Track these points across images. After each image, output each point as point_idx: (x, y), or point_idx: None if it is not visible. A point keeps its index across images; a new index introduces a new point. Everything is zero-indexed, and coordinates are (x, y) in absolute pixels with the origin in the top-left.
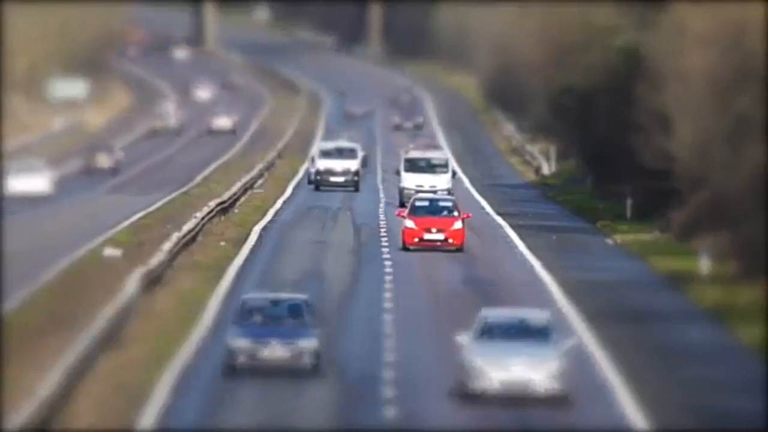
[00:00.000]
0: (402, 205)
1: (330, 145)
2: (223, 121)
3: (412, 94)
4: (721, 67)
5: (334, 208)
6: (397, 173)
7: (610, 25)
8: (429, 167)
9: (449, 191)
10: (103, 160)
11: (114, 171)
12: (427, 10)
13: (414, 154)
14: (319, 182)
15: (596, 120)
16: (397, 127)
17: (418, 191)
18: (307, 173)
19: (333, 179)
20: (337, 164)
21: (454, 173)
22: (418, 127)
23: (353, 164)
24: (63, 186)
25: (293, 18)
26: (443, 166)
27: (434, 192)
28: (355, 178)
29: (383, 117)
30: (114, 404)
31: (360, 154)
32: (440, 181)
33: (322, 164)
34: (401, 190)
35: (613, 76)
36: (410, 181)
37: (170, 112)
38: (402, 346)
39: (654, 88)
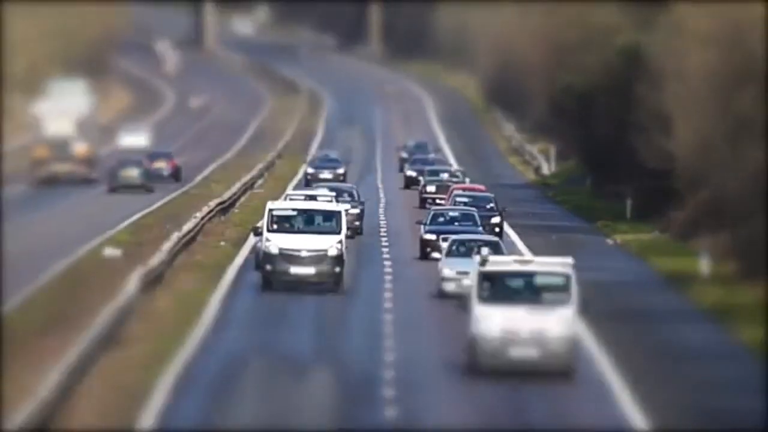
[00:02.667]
0: (473, 362)
1: (287, 207)
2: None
3: (437, 150)
4: (721, 67)
5: None
6: (461, 302)
7: (610, 25)
8: (530, 292)
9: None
10: (194, 101)
11: (204, 112)
12: (427, 10)
13: (502, 264)
14: (270, 276)
15: (596, 120)
16: (412, 181)
17: (507, 339)
18: (255, 251)
19: (294, 271)
20: (303, 242)
21: (585, 305)
22: (455, 175)
23: (331, 242)
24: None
25: (293, 18)
26: (560, 290)
27: (541, 345)
28: (336, 269)
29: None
30: (114, 404)
31: (343, 220)
32: (554, 323)
33: (276, 242)
34: (473, 343)
35: (613, 76)
36: (494, 321)
37: (165, 54)
38: (402, 346)
39: (654, 88)
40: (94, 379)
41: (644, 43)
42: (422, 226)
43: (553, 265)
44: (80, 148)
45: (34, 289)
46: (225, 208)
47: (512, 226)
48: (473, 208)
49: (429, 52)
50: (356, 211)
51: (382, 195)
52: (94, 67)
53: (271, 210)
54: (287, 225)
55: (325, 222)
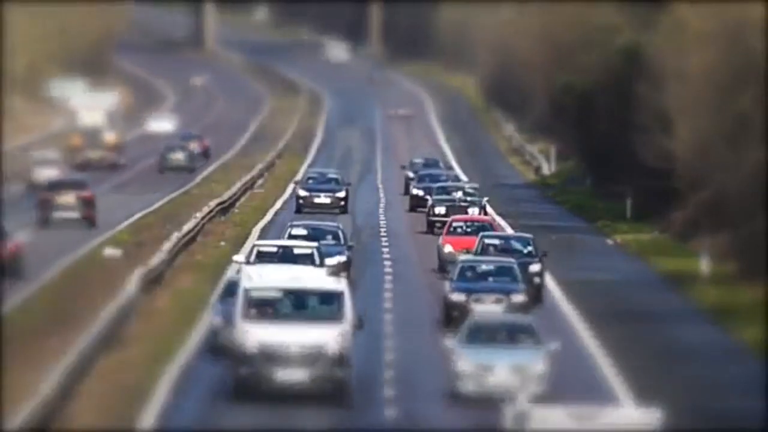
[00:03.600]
0: None
1: (270, 287)
2: None
3: (448, 168)
4: (721, 67)
5: None
6: None
7: (610, 25)
8: None
9: None
10: (196, 80)
11: (205, 91)
12: (428, 10)
13: (550, 421)
14: (247, 382)
15: (596, 120)
16: (418, 202)
17: None
18: (212, 328)
19: (281, 376)
20: (292, 335)
21: None
22: (470, 194)
23: (331, 334)
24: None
25: (293, 18)
26: None
27: None
28: (338, 373)
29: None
30: (114, 404)
31: (347, 302)
32: None
33: (256, 335)
34: None
35: (613, 76)
36: None
37: None
38: (402, 346)
39: (654, 87)
40: (94, 379)
41: (644, 43)
42: (447, 283)
43: (631, 423)
44: (110, 136)
45: (35, 289)
46: (225, 208)
47: (512, 227)
48: (508, 256)
49: (429, 52)
50: (343, 258)
51: (381, 195)
52: (95, 66)
53: (248, 291)
54: (270, 311)
55: (323, 305)
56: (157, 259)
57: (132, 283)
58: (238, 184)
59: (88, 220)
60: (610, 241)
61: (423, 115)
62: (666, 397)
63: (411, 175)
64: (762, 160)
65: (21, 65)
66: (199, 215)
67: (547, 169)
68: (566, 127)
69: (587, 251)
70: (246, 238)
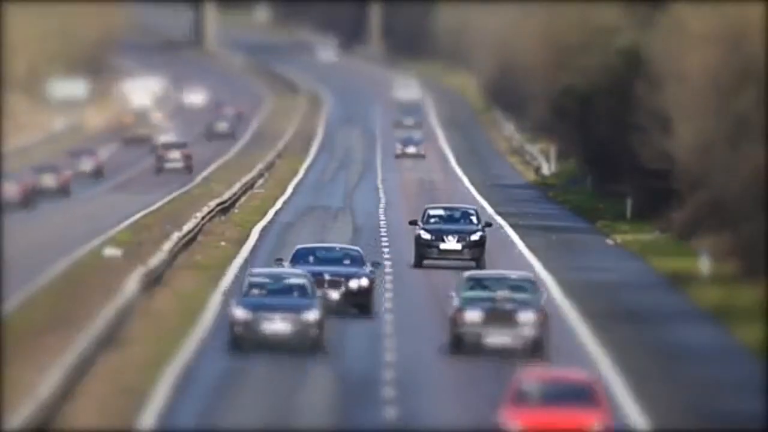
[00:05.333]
0: None
1: None
2: None
3: (487, 224)
4: (721, 67)
5: (334, 207)
6: None
7: (611, 26)
8: None
9: None
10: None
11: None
12: (427, 10)
13: None
14: None
15: (596, 120)
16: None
17: None
18: None
19: None
20: None
21: None
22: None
23: None
24: None
25: (293, 18)
26: None
27: None
28: None
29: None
30: (114, 404)
31: None
32: None
33: None
34: None
35: (614, 77)
36: None
37: None
38: (402, 346)
39: (654, 88)
40: (94, 379)
41: (644, 43)
42: None
43: None
44: (156, 116)
45: (34, 289)
46: (225, 208)
47: (512, 227)
48: None
49: (429, 52)
50: None
51: (381, 195)
52: (95, 66)
53: None
54: None
55: None
56: (157, 259)
57: (132, 283)
58: (238, 184)
59: (188, 168)
60: (610, 241)
61: (423, 116)
62: (666, 396)
63: (426, 236)
64: (762, 161)
65: (21, 65)
66: (199, 215)
67: (547, 169)
68: (566, 127)
69: (587, 251)
70: (246, 238)
